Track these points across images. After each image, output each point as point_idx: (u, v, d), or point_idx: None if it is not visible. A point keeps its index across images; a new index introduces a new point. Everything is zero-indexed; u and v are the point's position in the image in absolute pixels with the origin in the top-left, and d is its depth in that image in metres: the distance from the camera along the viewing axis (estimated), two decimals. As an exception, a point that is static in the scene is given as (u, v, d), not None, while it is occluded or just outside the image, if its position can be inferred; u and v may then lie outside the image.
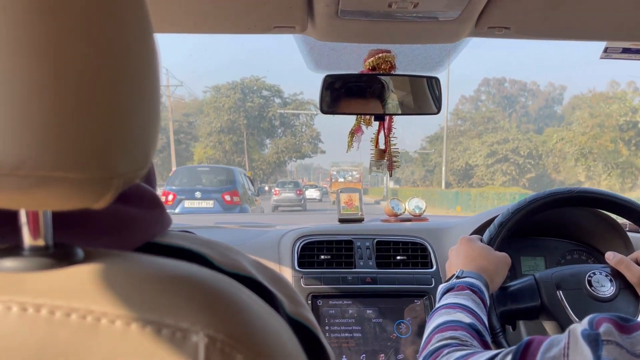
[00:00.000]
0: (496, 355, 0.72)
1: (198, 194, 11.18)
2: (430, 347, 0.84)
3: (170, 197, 11.00)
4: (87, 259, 0.37)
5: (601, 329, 0.62)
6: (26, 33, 0.30)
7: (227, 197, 11.21)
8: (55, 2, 0.31)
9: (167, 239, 0.47)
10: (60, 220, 0.39)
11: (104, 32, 0.33)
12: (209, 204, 11.12)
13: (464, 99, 61.89)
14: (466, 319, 0.89)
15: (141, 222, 0.45)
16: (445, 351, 0.80)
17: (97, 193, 0.35)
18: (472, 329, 0.87)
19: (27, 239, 0.36)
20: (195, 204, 11.05)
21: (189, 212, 9.93)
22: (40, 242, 0.37)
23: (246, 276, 0.46)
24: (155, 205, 0.48)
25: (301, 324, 0.47)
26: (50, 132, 0.31)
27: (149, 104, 0.37)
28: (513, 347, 0.70)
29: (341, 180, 35.06)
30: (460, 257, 1.12)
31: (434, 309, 0.98)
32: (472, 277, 1.02)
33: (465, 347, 0.81)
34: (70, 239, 0.39)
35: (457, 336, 0.84)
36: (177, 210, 10.61)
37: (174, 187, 11.37)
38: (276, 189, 24.64)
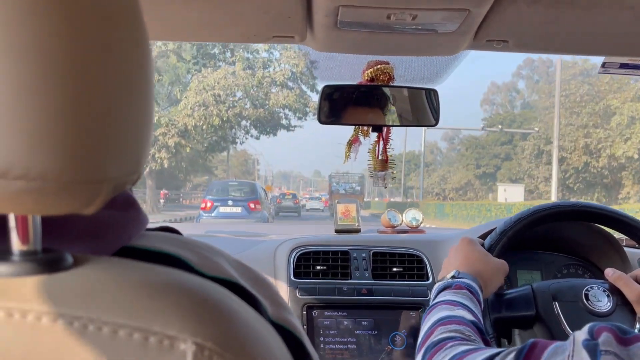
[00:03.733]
0: (499, 353, 0.72)
1: (230, 202, 15.06)
2: (433, 339, 0.83)
3: (209, 204, 14.99)
4: (75, 264, 0.37)
5: (600, 339, 0.62)
6: (14, 35, 0.30)
7: (252, 205, 15.13)
8: (45, 5, 0.31)
9: (145, 241, 0.46)
10: (42, 224, 0.39)
11: (96, 35, 0.33)
12: (238, 210, 14.93)
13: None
14: (468, 315, 0.89)
15: (115, 224, 0.45)
16: (450, 343, 0.80)
17: (87, 198, 0.34)
18: (474, 326, 0.87)
19: (16, 244, 0.36)
20: (227, 209, 14.82)
21: (223, 217, 14.44)
22: (30, 247, 0.36)
23: (227, 280, 0.46)
24: (129, 206, 0.47)
25: (285, 329, 0.47)
26: (39, 135, 0.31)
27: (142, 109, 0.37)
28: (517, 347, 0.70)
29: (342, 192, 34.59)
30: (458, 258, 1.12)
31: (432, 304, 0.97)
32: (468, 279, 1.02)
33: (469, 342, 0.80)
34: (52, 245, 0.38)
35: (461, 330, 0.84)
36: (213, 214, 14.78)
37: (211, 197, 15.44)
38: (279, 198, 31.43)
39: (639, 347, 0.61)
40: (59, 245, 0.39)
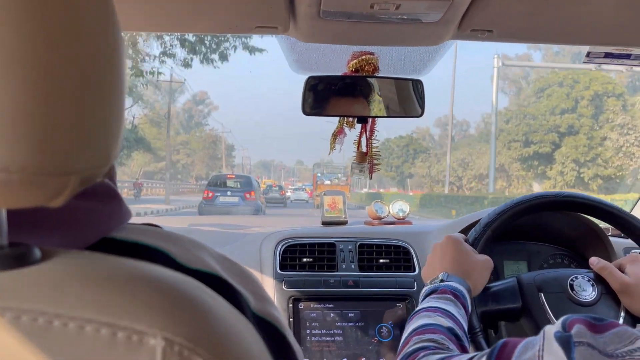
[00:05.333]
0: (472, 358, 0.72)
1: (229, 193, 17.50)
2: (407, 349, 0.83)
3: (210, 194, 17.31)
4: (43, 258, 0.36)
5: (573, 331, 0.61)
6: None
7: (248, 196, 17.38)
8: None
9: (126, 234, 0.45)
10: (11, 217, 0.37)
11: (62, 25, 0.32)
12: (235, 199, 17.19)
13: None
14: (446, 322, 0.89)
15: (95, 216, 0.44)
16: (422, 354, 0.80)
17: (52, 190, 0.33)
18: (450, 333, 0.86)
19: None
20: (227, 199, 17.14)
21: (222, 205, 16.64)
22: None
23: (209, 273, 0.45)
24: (112, 198, 0.46)
25: (267, 322, 0.46)
26: (2, 126, 0.30)
27: (112, 101, 0.36)
28: (488, 350, 0.70)
29: (327, 182, 32.64)
30: (446, 259, 1.11)
31: (415, 311, 0.97)
32: (456, 282, 1.02)
33: (442, 351, 0.80)
34: (22, 238, 0.37)
35: (435, 339, 0.84)
36: (214, 203, 16.94)
37: (212, 188, 17.86)
38: (266, 191, 30.75)
39: (613, 333, 0.60)
40: (33, 238, 0.38)
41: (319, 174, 34.72)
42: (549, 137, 29.39)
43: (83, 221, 0.43)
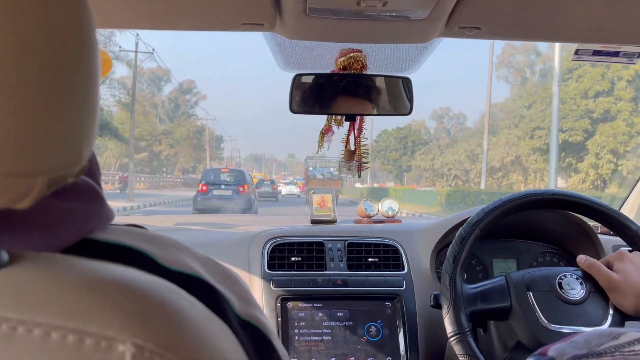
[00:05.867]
0: None
1: (223, 186, 18.32)
2: None
3: (204, 187, 18.11)
4: (11, 262, 0.34)
5: (551, 353, 0.52)
6: None
7: (241, 189, 18.28)
8: None
9: (107, 235, 0.44)
10: None
11: (28, 22, 0.31)
12: (229, 192, 18.07)
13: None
14: None
15: (75, 217, 0.42)
16: None
17: (19, 192, 0.32)
18: None
19: None
20: (221, 192, 18.02)
21: (217, 198, 17.56)
22: None
23: (191, 275, 0.44)
24: (94, 198, 0.45)
25: (252, 325, 0.45)
26: None
27: (84, 99, 0.35)
28: None
29: (319, 177, 31.59)
30: None
31: None
32: None
33: None
34: None
35: None
36: (208, 196, 17.76)
37: (206, 181, 18.59)
38: (257, 185, 30.06)
39: (590, 333, 0.53)
40: (6, 241, 0.37)
41: (310, 168, 33.66)
42: (580, 124, 25.54)
43: (60, 222, 0.41)
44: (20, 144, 0.31)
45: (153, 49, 27.79)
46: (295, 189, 38.64)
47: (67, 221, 0.42)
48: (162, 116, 55.76)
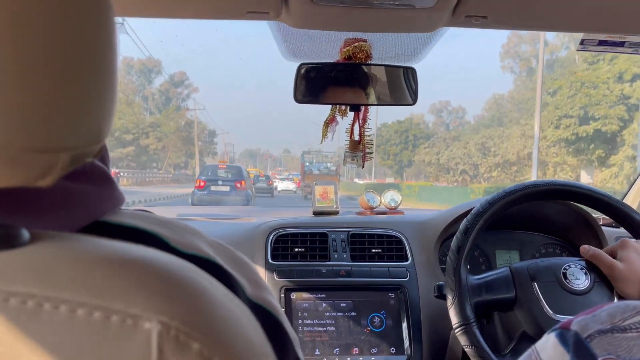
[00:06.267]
0: None
1: (220, 182, 18.62)
2: None
3: (202, 183, 18.44)
4: (32, 241, 0.34)
5: (574, 327, 0.52)
6: None
7: (238, 185, 18.59)
8: None
9: (119, 218, 0.44)
10: (0, 198, 0.36)
11: (49, 4, 0.31)
12: (226, 188, 18.34)
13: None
14: None
15: (89, 199, 0.42)
16: None
17: (41, 169, 0.32)
18: None
19: None
20: (218, 188, 18.35)
21: (214, 194, 17.80)
22: None
23: (204, 258, 0.44)
24: (105, 182, 0.45)
25: (263, 308, 0.45)
26: None
27: (104, 78, 0.35)
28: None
29: (316, 172, 30.52)
30: None
31: None
32: None
33: None
34: (12, 219, 0.36)
35: None
36: (206, 192, 18.02)
37: (204, 177, 19.10)
38: (252, 180, 30.25)
39: (612, 307, 0.53)
40: (22, 220, 0.37)
41: (307, 163, 32.50)
42: (615, 111, 22.40)
43: (75, 203, 0.41)
44: (45, 121, 0.31)
45: (123, 19, 27.28)
46: (291, 185, 38.14)
47: (81, 203, 0.42)
48: (153, 109, 53.74)
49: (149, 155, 47.41)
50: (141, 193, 23.94)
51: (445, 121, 57.63)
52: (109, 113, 0.36)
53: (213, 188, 18.32)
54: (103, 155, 0.47)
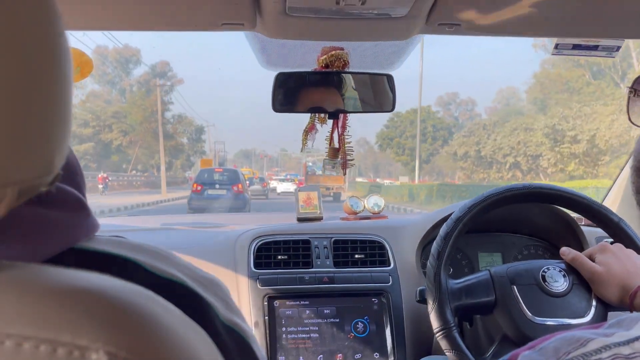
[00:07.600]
0: None
1: (217, 186, 18.89)
2: None
3: (199, 187, 18.72)
4: None
5: None
6: None
7: (235, 188, 18.69)
8: None
9: (94, 244, 0.44)
10: None
11: None
12: (223, 192, 18.56)
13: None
14: None
15: (62, 226, 0.42)
16: None
17: None
18: None
19: None
20: (215, 192, 18.59)
21: (211, 198, 18.09)
22: None
23: (178, 282, 0.44)
24: (79, 209, 0.45)
25: (235, 331, 0.45)
26: None
27: (55, 105, 0.34)
28: None
29: (319, 172, 27.88)
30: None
31: None
32: None
33: None
34: None
35: None
36: (203, 196, 18.33)
37: (200, 181, 19.19)
38: (247, 182, 29.59)
39: (558, 339, 0.52)
40: None
41: (309, 163, 30.99)
42: None
43: (47, 231, 0.41)
44: None
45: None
46: (292, 187, 33.16)
47: (53, 230, 0.41)
48: (131, 101, 45.09)
49: (112, 153, 41.40)
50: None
51: (454, 114, 53.14)
52: (61, 142, 0.35)
53: (210, 192, 18.57)
54: (78, 182, 0.47)
